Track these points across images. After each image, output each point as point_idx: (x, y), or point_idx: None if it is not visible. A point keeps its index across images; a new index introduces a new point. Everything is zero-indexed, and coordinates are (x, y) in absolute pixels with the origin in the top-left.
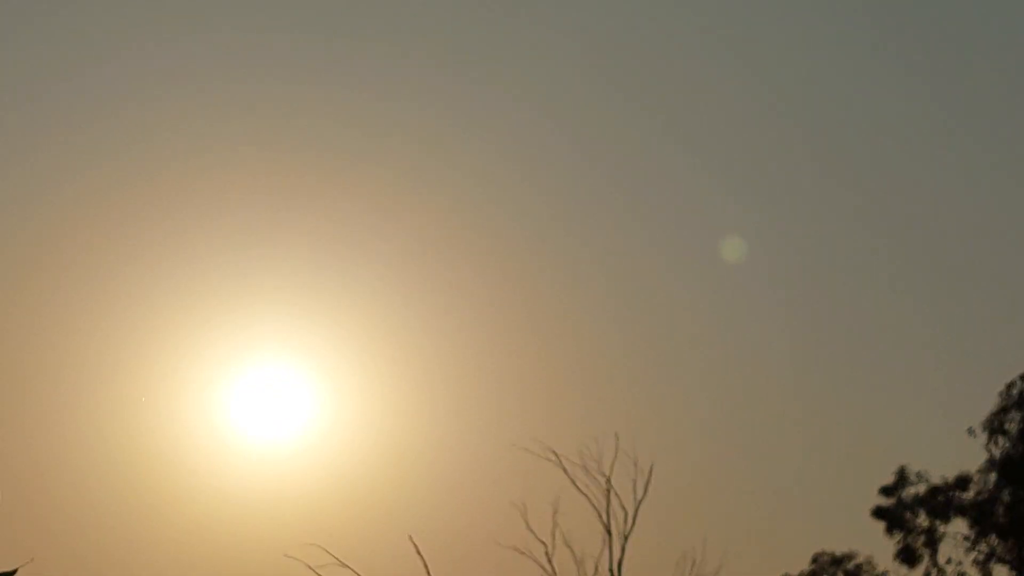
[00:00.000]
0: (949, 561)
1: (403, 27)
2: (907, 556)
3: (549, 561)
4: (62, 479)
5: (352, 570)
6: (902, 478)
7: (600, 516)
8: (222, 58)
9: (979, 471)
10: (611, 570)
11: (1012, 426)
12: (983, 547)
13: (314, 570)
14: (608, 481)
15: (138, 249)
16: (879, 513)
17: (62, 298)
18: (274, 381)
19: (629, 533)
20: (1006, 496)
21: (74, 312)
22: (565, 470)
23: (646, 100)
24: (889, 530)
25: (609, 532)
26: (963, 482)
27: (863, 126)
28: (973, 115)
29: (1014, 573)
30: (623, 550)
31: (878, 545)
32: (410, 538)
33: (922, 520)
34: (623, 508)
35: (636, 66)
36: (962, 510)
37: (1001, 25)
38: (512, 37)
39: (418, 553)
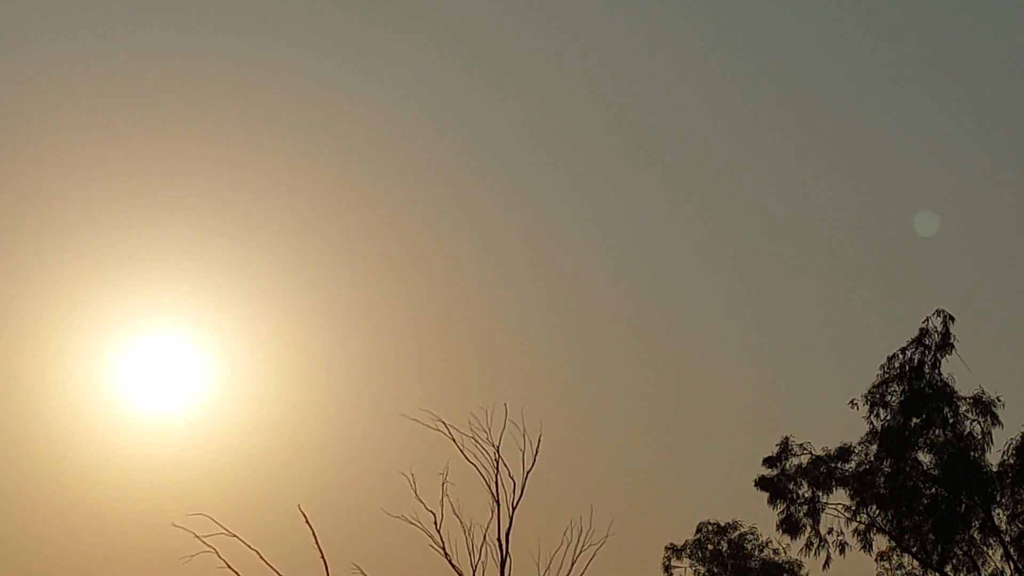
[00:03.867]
0: (831, 531)
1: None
2: (790, 526)
3: (438, 530)
4: None
5: (240, 539)
6: (785, 449)
7: (488, 486)
8: (103, 22)
9: (860, 442)
10: (499, 539)
11: (893, 398)
12: (863, 517)
13: (202, 540)
14: (497, 451)
15: (22, 214)
16: (762, 484)
17: None
18: (162, 350)
19: (517, 503)
20: (886, 467)
21: None
22: (454, 440)
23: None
24: (772, 500)
25: (497, 502)
26: (845, 453)
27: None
28: None
29: (893, 543)
30: (511, 519)
31: (761, 515)
32: (299, 507)
33: (804, 491)
34: (511, 478)
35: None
36: (843, 481)
37: None
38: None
39: (307, 522)
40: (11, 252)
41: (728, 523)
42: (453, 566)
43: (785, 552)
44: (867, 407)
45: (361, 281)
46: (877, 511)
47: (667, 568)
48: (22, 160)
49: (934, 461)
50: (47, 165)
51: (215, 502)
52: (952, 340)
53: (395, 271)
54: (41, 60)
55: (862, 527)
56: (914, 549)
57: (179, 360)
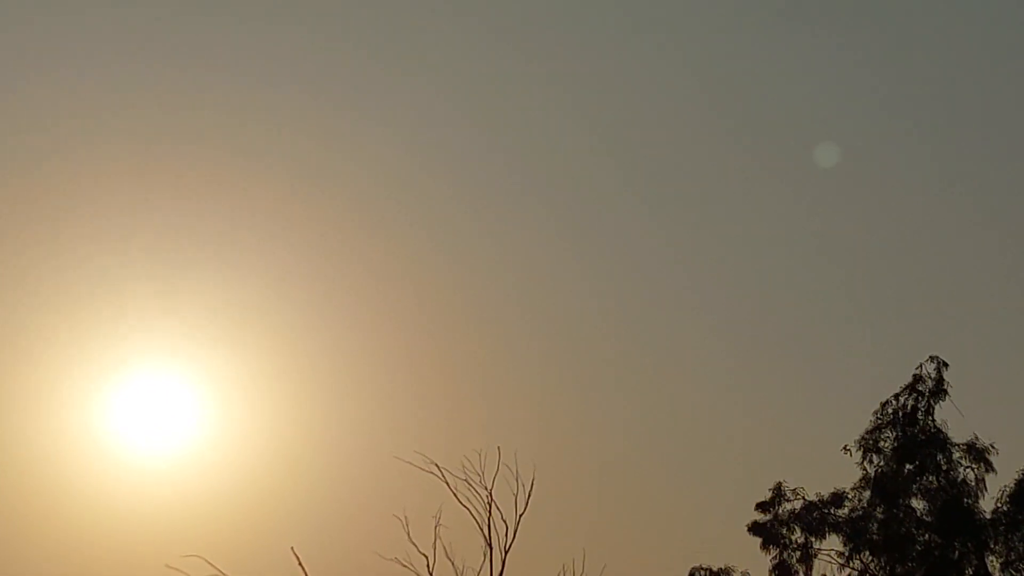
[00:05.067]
0: None
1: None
2: (782, 572)
3: (430, 573)
4: None
5: None
6: (778, 494)
7: (481, 529)
8: (101, 47)
9: (854, 488)
10: None
11: (886, 444)
12: (856, 564)
13: None
14: (490, 494)
15: (14, 250)
16: (755, 529)
17: None
18: (155, 391)
19: (510, 546)
20: (879, 513)
21: None
22: (447, 482)
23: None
24: (765, 546)
25: (490, 545)
26: (838, 499)
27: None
28: None
29: None
30: (504, 563)
31: (754, 561)
32: (292, 549)
33: (797, 536)
34: (504, 521)
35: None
36: (837, 527)
37: None
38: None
39: (300, 565)
40: (4, 297)
41: (721, 568)
42: None
43: None
44: (860, 453)
45: (355, 323)
46: (870, 557)
47: None
48: (17, 195)
49: (927, 508)
50: (42, 202)
51: (209, 544)
52: (945, 386)
53: (389, 313)
54: (40, 94)
55: (855, 573)
56: None
57: (171, 401)
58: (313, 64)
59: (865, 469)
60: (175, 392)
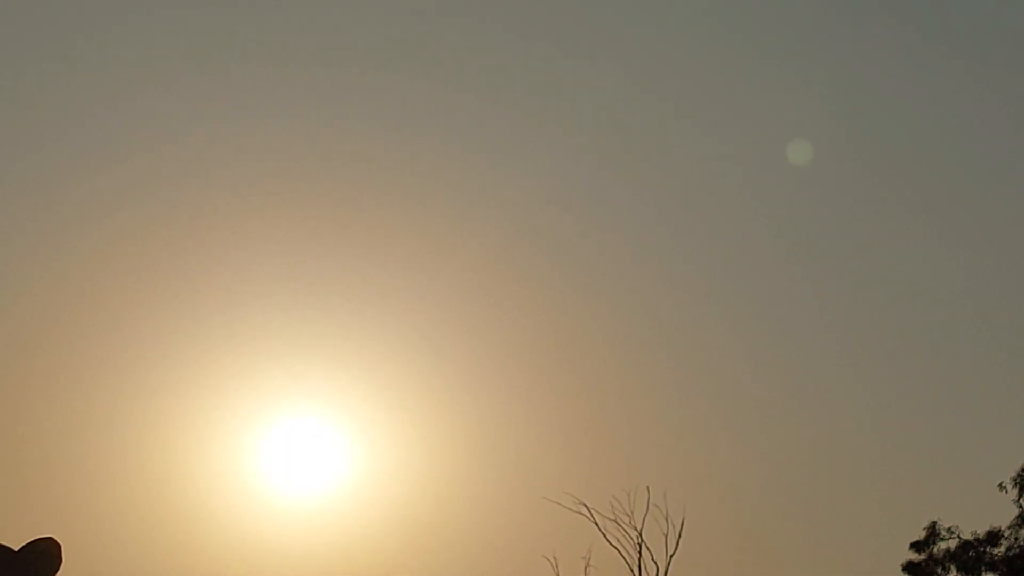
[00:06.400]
0: None
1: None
2: None
3: None
4: (89, 526)
5: None
6: (933, 533)
7: (632, 570)
8: (259, 95)
9: (1009, 526)
10: None
11: None
12: None
13: None
14: (639, 534)
15: (175, 296)
16: (910, 568)
17: (99, 344)
18: (304, 433)
19: None
20: None
21: (108, 359)
22: (596, 523)
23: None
24: None
25: None
26: (994, 537)
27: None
28: None
29: None
30: None
31: None
32: None
33: None
34: (655, 562)
35: None
36: (993, 566)
37: None
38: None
39: None
40: (164, 341)
41: None
42: None
43: None
44: (1016, 490)
45: (503, 364)
46: None
47: None
48: (173, 244)
49: None
50: (197, 248)
51: None
52: None
53: (535, 354)
54: (198, 144)
55: None
56: None
57: (320, 443)
58: (464, 121)
59: (1021, 506)
60: (323, 435)
